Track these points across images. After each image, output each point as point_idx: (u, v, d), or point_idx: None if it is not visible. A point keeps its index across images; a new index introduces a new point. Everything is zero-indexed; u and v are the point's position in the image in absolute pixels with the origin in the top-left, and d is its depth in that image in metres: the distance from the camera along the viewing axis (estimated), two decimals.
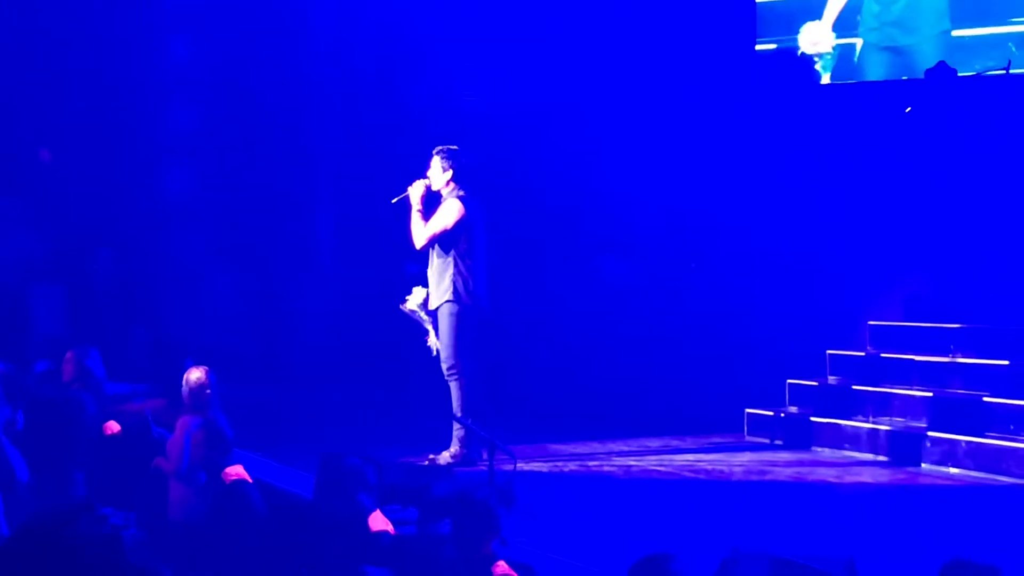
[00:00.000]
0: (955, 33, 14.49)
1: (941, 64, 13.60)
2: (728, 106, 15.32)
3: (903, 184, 13.71)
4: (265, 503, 8.41)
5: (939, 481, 10.92)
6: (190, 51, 16.60)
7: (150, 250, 16.47)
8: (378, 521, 7.42)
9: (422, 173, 11.31)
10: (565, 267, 15.63)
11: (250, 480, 8.44)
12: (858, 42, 14.99)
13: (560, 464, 11.46)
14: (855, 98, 14.86)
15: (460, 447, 11.08)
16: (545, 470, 11.16)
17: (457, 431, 11.09)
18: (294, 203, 16.37)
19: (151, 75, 16.55)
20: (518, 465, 10.27)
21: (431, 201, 11.20)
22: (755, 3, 15.47)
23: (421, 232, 11.10)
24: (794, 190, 14.71)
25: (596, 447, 12.32)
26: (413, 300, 11.29)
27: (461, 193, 11.16)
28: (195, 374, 8.87)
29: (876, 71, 14.95)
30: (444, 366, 11.10)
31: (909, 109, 13.57)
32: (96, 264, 16.48)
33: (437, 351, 11.23)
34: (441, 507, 7.55)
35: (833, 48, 15.05)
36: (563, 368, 15.01)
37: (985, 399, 11.54)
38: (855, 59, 15.00)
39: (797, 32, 15.29)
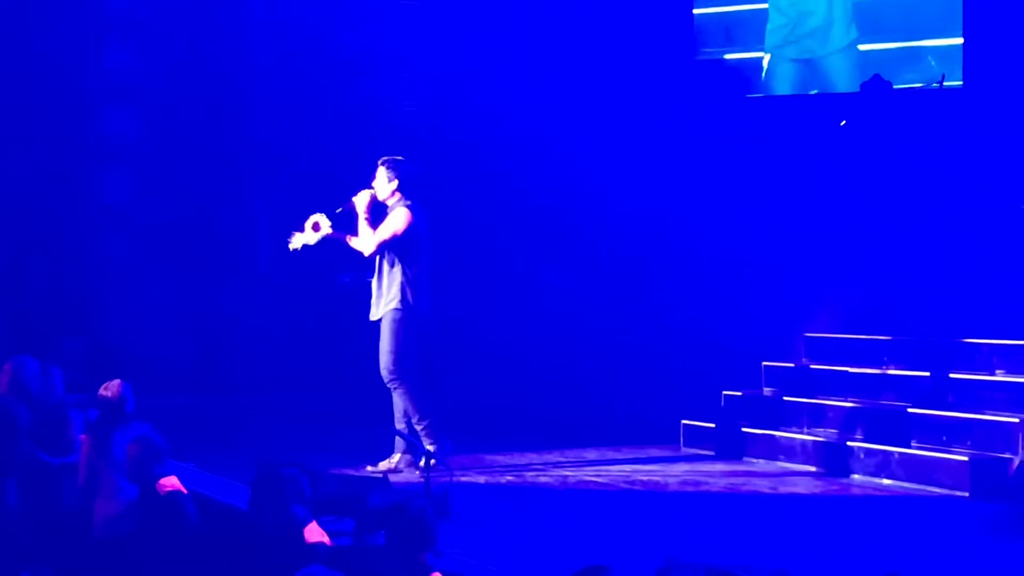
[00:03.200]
0: (862, 47, 14.66)
1: (876, 77, 13.72)
2: (666, 116, 15.41)
3: (837, 197, 13.81)
4: (200, 514, 8.36)
5: (871, 492, 10.98)
6: (126, 56, 16.50)
7: (85, 257, 16.36)
8: (314, 532, 7.40)
9: (366, 178, 11.29)
10: (502, 275, 15.65)
11: (185, 491, 8.39)
12: (765, 57, 15.14)
13: (496, 475, 11.45)
14: (787, 110, 14.96)
15: (402, 457, 11.07)
16: (481, 481, 11.15)
17: (399, 438, 11.09)
18: (231, 209, 16.32)
19: (87, 80, 16.45)
20: (454, 476, 10.29)
21: (376, 211, 11.19)
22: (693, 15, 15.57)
23: (370, 239, 11.10)
24: (730, 201, 14.80)
25: (533, 458, 12.33)
26: (315, 222, 11.28)
27: (408, 202, 11.17)
28: (111, 387, 8.83)
29: (786, 84, 15.12)
30: (385, 373, 11.08)
31: (844, 122, 13.66)
32: (30, 272, 16.36)
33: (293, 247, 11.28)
34: (377, 518, 7.55)
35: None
36: (500, 378, 15.02)
37: (913, 411, 11.63)
38: (763, 74, 15.13)
39: (733, 43, 15.40)
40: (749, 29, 15.40)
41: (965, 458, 10.83)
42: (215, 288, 16.00)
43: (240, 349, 15.69)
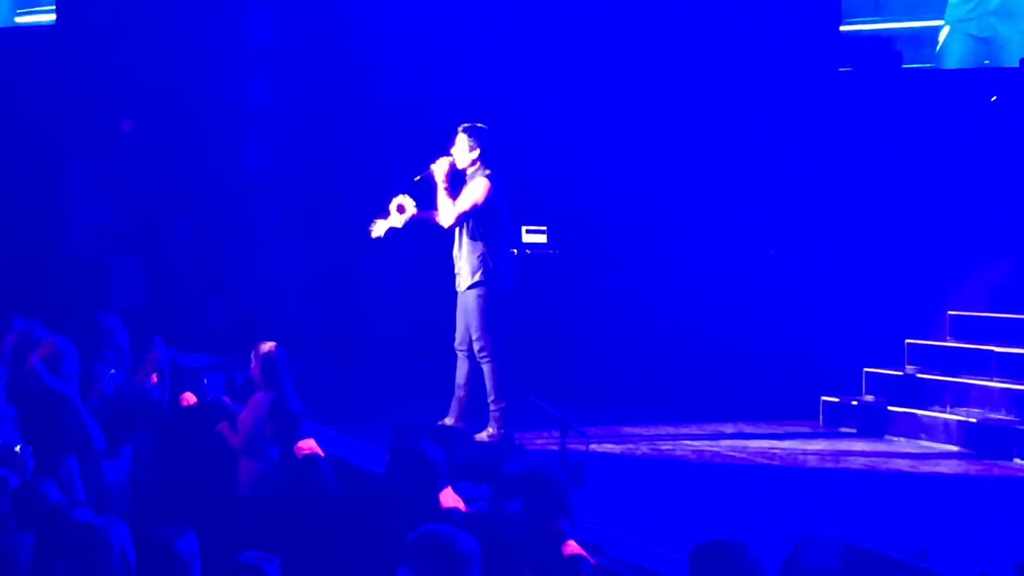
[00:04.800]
0: None
1: None
2: (810, 90, 15.17)
3: (987, 173, 13.56)
4: (338, 478, 8.43)
5: (1014, 473, 10.80)
6: (270, 27, 16.68)
7: (228, 222, 16.58)
8: (449, 498, 7.42)
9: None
10: (642, 251, 15.54)
11: (322, 454, 8.47)
12: (944, 29, 14.80)
13: (632, 446, 11.42)
14: (939, 84, 14.68)
15: (497, 428, 10.91)
16: (617, 452, 11.13)
17: (493, 411, 10.91)
18: (370, 178, 16.39)
19: (231, 50, 16.66)
20: (590, 446, 10.27)
21: (455, 180, 10.94)
22: None
23: (450, 210, 10.81)
24: (876, 177, 14.56)
25: (669, 430, 12.28)
26: (400, 204, 11.20)
27: (488, 172, 10.88)
28: (265, 347, 8.88)
29: (960, 59, 14.77)
30: (476, 347, 10.82)
31: (995, 98, 13.41)
32: (175, 234, 16.63)
33: (375, 234, 11.28)
34: (512, 485, 7.54)
35: None
36: (639, 352, 14.93)
37: None
38: (937, 46, 14.81)
39: (881, 14, 15.12)
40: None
41: None
42: (354, 254, 16.08)
43: (375, 315, 15.77)
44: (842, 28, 15.26)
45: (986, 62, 14.55)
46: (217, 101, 16.59)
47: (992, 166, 13.52)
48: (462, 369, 11.02)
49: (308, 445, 8.46)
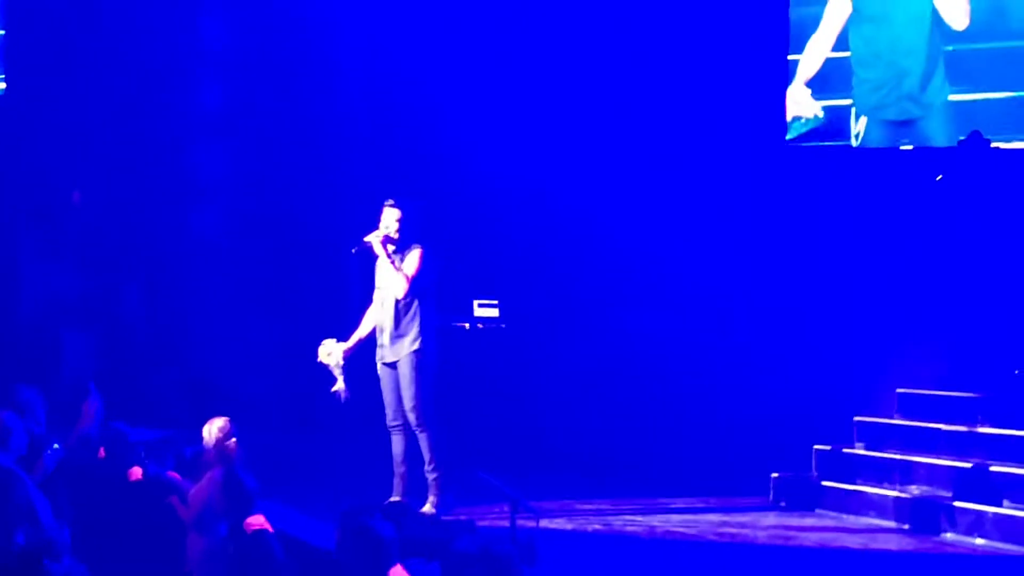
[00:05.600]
0: (953, 98, 14.49)
1: (975, 133, 13.58)
2: (757, 163, 15.32)
3: (933, 252, 13.67)
4: (287, 554, 8.36)
5: (963, 552, 10.84)
6: (218, 92, 16.69)
7: (179, 291, 16.52)
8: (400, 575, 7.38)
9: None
10: (592, 321, 15.60)
11: (272, 530, 8.40)
12: (861, 120, 14.94)
13: (583, 522, 11.40)
14: (882, 162, 14.83)
15: (439, 496, 11.04)
16: (568, 528, 11.11)
17: (432, 479, 11.02)
18: (325, 246, 16.39)
19: (181, 116, 16.65)
20: (540, 522, 10.24)
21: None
22: (788, 17, 15.45)
23: (401, 280, 11.00)
24: (822, 254, 14.68)
25: (620, 505, 12.27)
26: (327, 352, 11.24)
27: (417, 243, 11.13)
28: (218, 423, 8.84)
29: (879, 142, 14.93)
30: (412, 416, 10.99)
31: (940, 177, 13.53)
32: (125, 303, 16.56)
33: (345, 397, 11.23)
34: (463, 562, 7.50)
35: (822, 112, 15.07)
36: (588, 425, 14.95)
37: (1006, 470, 11.47)
38: (855, 132, 14.94)
39: (830, 91, 15.27)
40: (836, 77, 15.22)
41: None
42: (306, 323, 16.07)
43: (327, 389, 15.70)
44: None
45: (905, 144, 14.73)
46: (169, 167, 16.55)
47: (940, 246, 13.62)
48: (399, 446, 11.17)
49: (257, 521, 8.38)
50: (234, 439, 8.79)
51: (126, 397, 11.88)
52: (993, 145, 13.48)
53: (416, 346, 11.01)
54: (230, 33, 16.70)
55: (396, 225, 11.12)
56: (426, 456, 11.06)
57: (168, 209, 16.58)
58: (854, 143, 14.96)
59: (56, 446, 9.54)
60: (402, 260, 11.08)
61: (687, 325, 15.31)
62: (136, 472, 9.32)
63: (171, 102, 16.63)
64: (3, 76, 17.45)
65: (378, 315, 11.25)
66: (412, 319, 11.05)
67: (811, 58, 15.17)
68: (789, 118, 15.22)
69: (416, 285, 11.04)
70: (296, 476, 12.36)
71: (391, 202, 11.23)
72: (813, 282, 14.65)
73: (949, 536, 11.25)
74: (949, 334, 13.27)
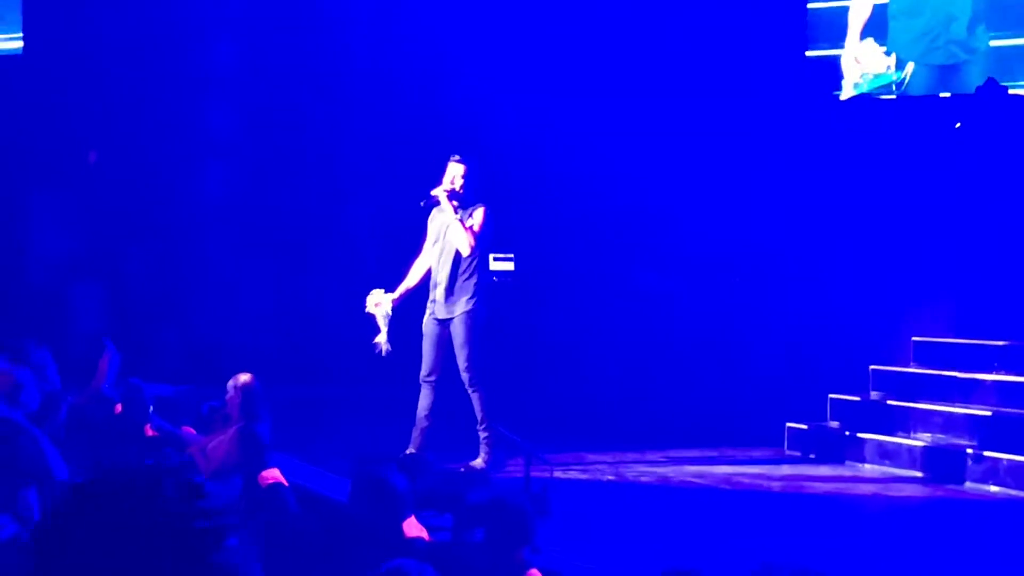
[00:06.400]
0: (995, 43, 14.46)
1: (991, 81, 13.54)
2: (776, 114, 15.29)
3: (949, 200, 13.64)
4: (301, 507, 8.42)
5: (978, 498, 10.86)
6: (229, 53, 16.68)
7: (182, 249, 16.57)
8: (413, 527, 7.41)
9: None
10: (605, 277, 15.62)
11: (286, 484, 8.46)
12: (908, 65, 14.91)
13: (597, 473, 11.44)
14: (902, 111, 14.80)
15: (488, 454, 11.02)
16: (582, 479, 11.15)
17: (484, 437, 11.02)
18: (330, 203, 16.43)
19: (189, 77, 16.66)
20: (554, 473, 10.29)
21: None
22: (807, 9, 15.44)
23: (468, 236, 10.85)
24: (840, 203, 14.66)
25: (634, 457, 12.30)
26: (375, 303, 11.18)
27: (481, 202, 11.04)
28: (243, 378, 8.86)
29: (924, 87, 14.88)
30: (466, 376, 10.91)
31: (959, 125, 13.50)
32: (135, 262, 16.61)
33: (386, 351, 11.07)
34: (476, 514, 7.54)
35: (894, 66, 15.01)
36: (603, 379, 14.99)
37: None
38: (901, 77, 14.91)
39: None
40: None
41: None
42: (313, 279, 16.12)
43: (337, 342, 15.75)
44: (808, 53, 15.40)
45: (944, 94, 14.69)
46: (179, 127, 16.57)
47: (956, 193, 13.60)
48: (426, 400, 11.05)
49: (272, 474, 8.44)
50: (257, 394, 8.81)
51: (139, 353, 11.92)
52: (1011, 92, 13.45)
53: (471, 305, 10.91)
54: None
55: (461, 180, 10.99)
56: (479, 415, 10.98)
57: (177, 169, 16.61)
58: (895, 91, 14.95)
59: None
60: (469, 217, 10.97)
61: (701, 277, 15.33)
62: (149, 428, 9.38)
63: (182, 62, 16.64)
64: (21, 35, 17.47)
65: (434, 270, 11.10)
66: (470, 277, 10.93)
67: (860, 11, 15.11)
68: (848, 77, 15.15)
69: (478, 244, 10.96)
70: (309, 430, 12.40)
71: (457, 157, 11.09)
72: (827, 232, 14.65)
73: (964, 484, 11.27)
74: (964, 282, 13.26)
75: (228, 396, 8.90)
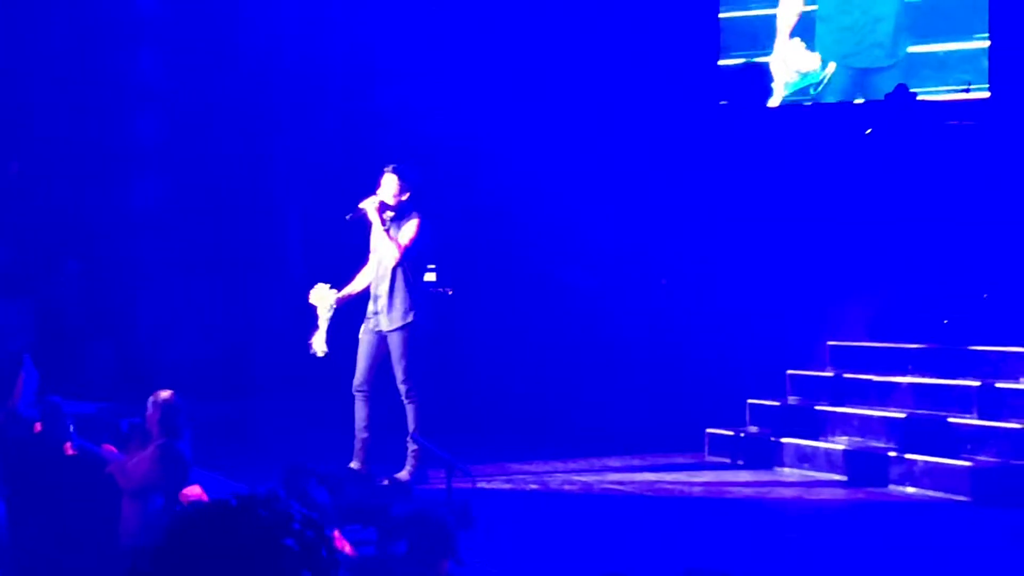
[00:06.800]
0: (911, 49, 14.66)
1: (900, 87, 13.73)
2: (691, 122, 15.44)
3: (862, 205, 13.82)
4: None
5: (896, 500, 10.99)
6: (157, 62, 16.57)
7: (116, 261, 16.43)
8: (336, 541, 7.43)
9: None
10: (525, 287, 15.68)
11: (207, 500, 8.43)
12: (830, 65, 15.10)
13: (520, 483, 11.48)
14: (814, 118, 14.97)
15: (414, 466, 11.03)
16: (505, 489, 11.18)
17: (411, 450, 11.04)
18: (263, 215, 16.38)
19: (119, 86, 16.52)
20: (477, 484, 10.31)
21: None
22: (718, 19, 15.59)
23: (394, 247, 10.86)
24: (755, 209, 14.81)
25: (556, 466, 12.36)
26: (320, 296, 11.18)
27: (415, 212, 11.03)
28: (163, 395, 8.81)
29: (842, 88, 15.07)
30: (403, 388, 10.95)
31: (870, 131, 13.68)
32: (63, 277, 16.46)
33: (322, 353, 11.07)
34: (399, 527, 7.57)
35: (818, 64, 15.20)
36: (524, 387, 15.04)
37: (941, 419, 11.65)
38: (822, 77, 15.09)
39: (760, 48, 15.42)
40: (774, 35, 15.40)
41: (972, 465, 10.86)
42: (245, 292, 16.06)
43: (267, 354, 15.71)
44: (720, 63, 15.55)
45: (858, 98, 14.88)
46: (106, 138, 16.43)
47: (869, 198, 13.78)
48: (362, 411, 11.07)
49: (194, 491, 8.42)
50: (178, 411, 8.77)
51: (61, 371, 11.83)
52: (920, 98, 13.65)
53: (411, 318, 10.92)
54: (164, 1, 16.58)
55: (394, 191, 11.01)
56: (411, 427, 10.99)
57: (104, 180, 16.47)
58: (813, 91, 15.13)
59: None
60: (399, 228, 10.99)
61: (620, 286, 15.42)
62: (68, 447, 9.31)
63: (107, 72, 16.50)
64: None
65: (373, 283, 11.11)
66: (407, 291, 10.95)
67: (787, 16, 15.29)
68: (779, 78, 15.30)
69: (412, 256, 10.97)
70: (236, 446, 12.36)
71: (390, 168, 11.10)
72: (743, 238, 14.79)
73: (881, 486, 11.41)
74: (877, 286, 13.43)
75: (148, 413, 8.86)
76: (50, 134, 16.33)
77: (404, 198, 11.03)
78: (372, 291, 11.11)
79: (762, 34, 15.47)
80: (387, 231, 10.92)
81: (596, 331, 15.26)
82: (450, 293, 14.26)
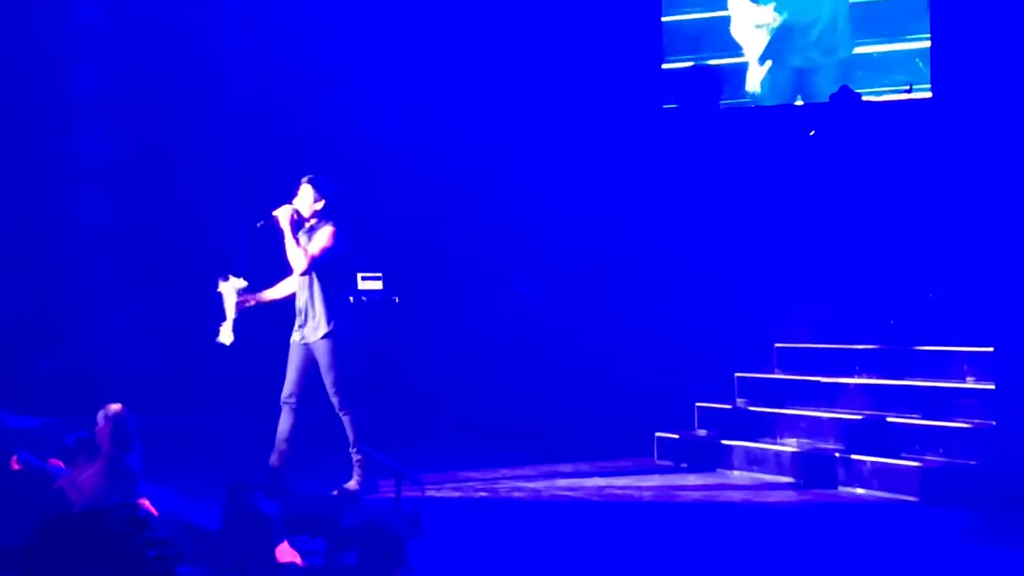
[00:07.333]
0: (856, 50, 14.74)
1: (844, 88, 13.79)
2: (635, 125, 15.46)
3: (807, 207, 13.88)
4: (172, 536, 8.33)
5: (844, 501, 11.03)
6: (99, 77, 16.45)
7: (61, 276, 16.30)
8: (286, 553, 7.40)
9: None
10: (472, 292, 15.67)
11: (156, 514, 8.38)
12: (766, 63, 15.16)
13: (469, 491, 11.46)
14: (758, 119, 15.03)
15: (361, 476, 11.00)
16: (454, 497, 11.16)
17: (356, 459, 11.01)
18: (210, 227, 16.28)
19: (61, 101, 16.40)
20: (426, 492, 10.28)
21: (296, 228, 11.00)
22: (661, 23, 15.63)
23: (302, 256, 10.84)
24: (701, 212, 14.85)
25: (505, 473, 12.34)
26: (231, 285, 11.15)
27: (331, 221, 11.00)
28: (113, 409, 8.76)
29: (776, 92, 15.14)
30: (336, 400, 10.90)
31: (813, 132, 13.73)
32: (7, 291, 16.32)
33: (228, 342, 11.10)
34: (349, 537, 7.53)
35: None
36: (472, 393, 15.03)
37: (888, 419, 11.71)
38: (758, 76, 15.18)
39: (703, 52, 15.47)
40: (719, 36, 15.47)
41: (920, 465, 10.92)
42: (190, 305, 15.96)
43: (215, 368, 15.62)
44: (664, 66, 15.59)
45: (798, 99, 14.96)
46: (51, 149, 16.30)
47: (813, 200, 13.84)
48: (286, 423, 11.02)
49: (142, 504, 8.37)
50: (128, 424, 8.72)
51: (7, 384, 11.75)
52: (864, 99, 13.71)
53: (331, 327, 10.88)
54: (105, 14, 16.44)
55: (311, 200, 11.00)
56: (350, 437, 10.98)
57: (47, 196, 16.34)
58: (754, 88, 15.18)
59: None
60: (309, 236, 10.96)
61: (567, 290, 15.43)
62: (14, 462, 9.23)
63: (52, 85, 16.37)
64: None
65: (297, 294, 11.09)
66: (323, 300, 10.91)
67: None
68: (750, 45, 15.40)
69: (327, 265, 10.92)
70: (178, 458, 12.29)
71: (307, 178, 11.08)
72: (689, 241, 14.83)
73: (831, 488, 11.45)
74: (824, 287, 13.49)
75: (98, 427, 8.80)
76: None
77: (318, 207, 11.00)
78: (296, 304, 11.12)
79: (705, 38, 15.52)
80: (296, 239, 10.90)
81: (542, 337, 15.26)
82: (396, 300, 14.22)
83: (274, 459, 10.98)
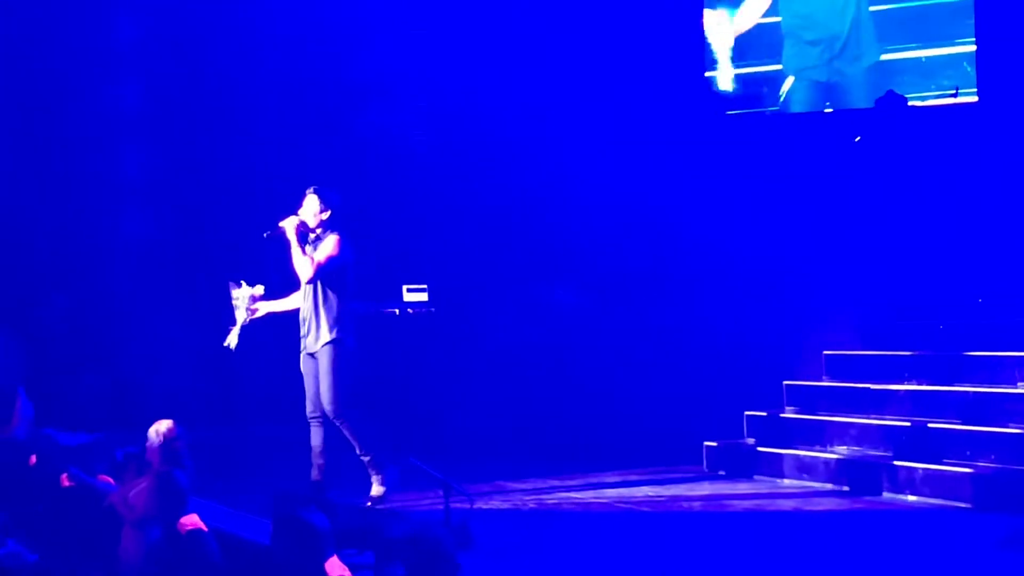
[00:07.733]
0: (884, 57, 14.69)
1: (890, 92, 13.72)
2: (681, 133, 15.43)
3: (854, 213, 13.81)
4: (223, 551, 8.34)
5: (896, 508, 10.95)
6: (143, 93, 16.53)
7: (103, 293, 16.37)
8: (335, 567, 7.38)
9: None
10: (518, 301, 15.65)
11: (206, 529, 8.38)
12: (788, 79, 15.16)
13: (518, 502, 11.43)
14: (799, 127, 14.97)
15: (380, 476, 11.05)
16: (503, 508, 11.13)
17: (367, 462, 11.02)
18: (248, 245, 16.30)
19: (104, 117, 16.48)
20: (475, 504, 10.26)
21: (302, 239, 11.06)
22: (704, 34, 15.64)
23: (307, 264, 10.90)
24: (749, 220, 14.80)
25: (554, 483, 12.31)
26: (243, 292, 11.24)
27: (337, 232, 11.05)
28: (164, 425, 8.78)
29: (805, 104, 15.12)
30: (330, 409, 10.90)
31: (859, 138, 13.67)
32: (50, 309, 16.38)
33: (234, 346, 11.28)
34: (395, 549, 7.51)
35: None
36: (520, 404, 14.99)
37: (936, 425, 11.62)
38: (781, 97, 15.17)
39: (745, 60, 15.46)
40: (759, 44, 15.45)
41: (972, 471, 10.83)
42: (228, 320, 15.99)
43: (256, 382, 15.66)
44: (708, 74, 15.57)
45: (827, 106, 14.91)
46: (93, 167, 16.38)
47: (860, 207, 13.77)
48: (317, 438, 11.10)
49: (191, 520, 8.36)
50: (179, 441, 8.75)
51: (52, 402, 11.78)
52: (910, 103, 13.65)
53: (334, 335, 10.92)
54: (147, 31, 16.52)
55: (315, 211, 11.07)
56: (354, 444, 11.02)
57: (91, 212, 16.42)
58: (784, 98, 15.18)
59: None
60: (314, 247, 11.02)
61: (612, 300, 15.38)
62: (65, 479, 9.27)
63: (93, 103, 16.45)
64: None
65: (302, 305, 11.16)
66: (329, 310, 10.97)
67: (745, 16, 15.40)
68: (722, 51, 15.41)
69: (332, 274, 10.98)
70: (227, 473, 12.31)
71: (312, 189, 11.17)
72: (737, 249, 14.77)
73: (882, 495, 11.37)
74: (872, 294, 13.42)
75: (149, 443, 8.83)
76: (37, 167, 16.28)
77: (324, 217, 11.05)
78: (301, 315, 11.19)
79: (747, 46, 15.50)
80: (303, 249, 10.96)
81: (589, 346, 15.22)
82: (432, 311, 14.22)
83: (315, 473, 11.02)
